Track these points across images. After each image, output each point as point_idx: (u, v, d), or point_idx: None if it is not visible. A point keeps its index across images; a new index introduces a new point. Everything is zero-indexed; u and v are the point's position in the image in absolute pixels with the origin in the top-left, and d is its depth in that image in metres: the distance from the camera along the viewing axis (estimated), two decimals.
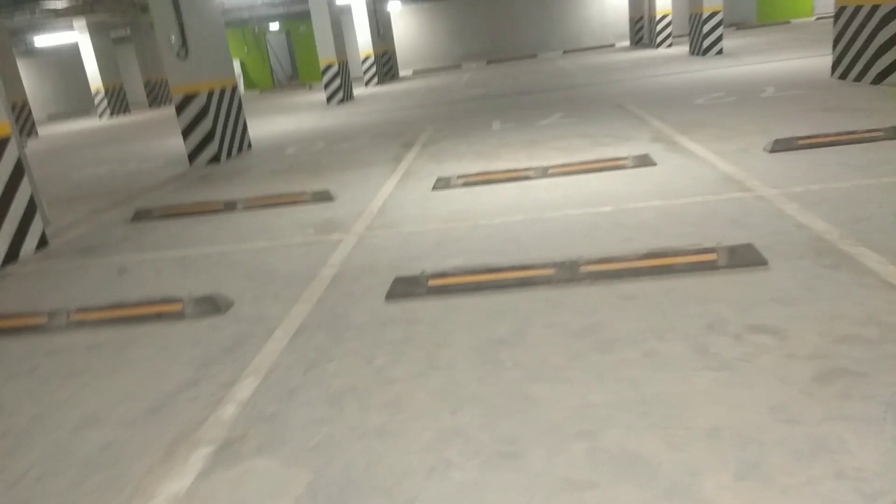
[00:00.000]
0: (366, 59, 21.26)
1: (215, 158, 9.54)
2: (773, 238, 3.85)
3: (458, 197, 5.78)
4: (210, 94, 9.49)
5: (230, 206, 6.37)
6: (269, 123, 13.96)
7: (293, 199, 6.32)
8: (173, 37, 9.10)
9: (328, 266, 4.41)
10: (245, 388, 2.92)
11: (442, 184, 6.18)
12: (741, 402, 2.36)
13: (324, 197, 6.27)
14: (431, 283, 3.71)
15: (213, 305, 3.81)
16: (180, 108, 9.44)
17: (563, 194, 5.39)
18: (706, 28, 15.82)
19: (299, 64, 30.10)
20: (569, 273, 3.61)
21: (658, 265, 3.56)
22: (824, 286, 3.17)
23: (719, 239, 3.93)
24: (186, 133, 9.55)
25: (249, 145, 10.61)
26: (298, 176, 7.71)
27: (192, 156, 9.61)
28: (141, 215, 6.51)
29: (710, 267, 3.51)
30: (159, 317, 3.83)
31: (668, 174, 5.56)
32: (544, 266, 3.67)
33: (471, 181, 6.13)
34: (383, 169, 7.43)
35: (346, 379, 2.89)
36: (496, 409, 2.52)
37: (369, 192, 6.40)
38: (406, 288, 3.72)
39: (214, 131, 9.54)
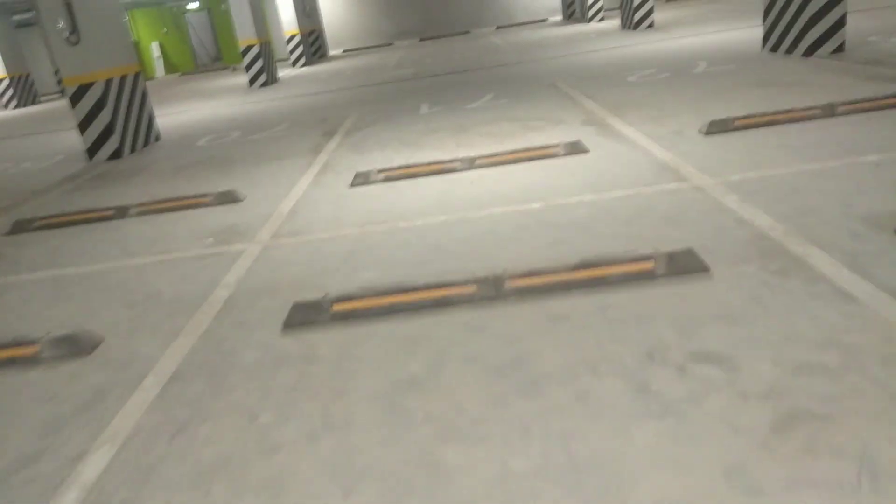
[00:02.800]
0: (291, 38, 20.26)
1: (116, 154, 8.69)
2: (714, 238, 3.49)
3: (378, 194, 5.26)
4: (108, 84, 8.61)
5: (121, 212, 5.67)
6: (184, 111, 13.02)
7: (194, 202, 5.67)
8: (61, 21, 8.17)
9: (222, 287, 3.84)
10: (94, 465, 2.37)
11: (361, 179, 5.64)
12: (690, 464, 1.96)
13: (229, 198, 5.65)
14: (336, 307, 3.20)
15: (75, 346, 3.20)
16: (74, 100, 8.54)
17: (491, 189, 4.94)
18: (636, 1, 15.57)
19: (223, 45, 28.63)
20: (492, 290, 3.16)
21: (591, 277, 3.15)
22: (773, 298, 2.82)
23: (656, 239, 3.55)
24: (83, 127, 8.66)
25: (157, 137, 9.77)
26: (206, 172, 7.02)
27: (91, 151, 8.74)
28: (20, 226, 5.74)
29: (647, 277, 3.12)
30: (12, 362, 3.20)
31: (601, 163, 5.17)
32: (465, 283, 3.21)
33: (392, 176, 5.61)
34: (300, 162, 6.82)
35: (221, 446, 2.37)
36: (399, 486, 2.05)
37: (281, 190, 5.80)
38: (307, 315, 3.20)
39: (114, 124, 8.69)
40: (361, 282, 3.60)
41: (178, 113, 12.76)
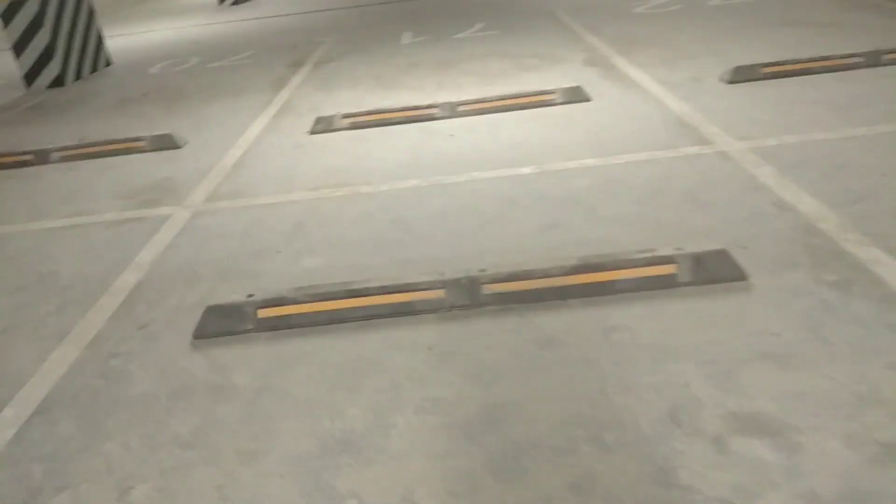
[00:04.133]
0: None
1: (58, 81, 7.70)
2: (749, 229, 2.76)
3: (341, 145, 4.44)
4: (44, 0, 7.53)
5: (42, 158, 4.82)
6: (144, 31, 11.83)
7: (126, 146, 4.83)
8: None
9: (132, 268, 3.09)
10: None
11: (323, 125, 4.80)
12: None
13: (167, 143, 4.80)
14: (262, 313, 2.47)
15: None
16: (6, 19, 7.47)
17: (474, 145, 4.13)
18: None
19: None
20: (467, 296, 2.44)
21: (594, 282, 2.42)
22: (836, 328, 2.12)
23: (676, 227, 2.82)
24: (18, 50, 7.63)
25: (108, 62, 8.72)
26: (151, 107, 6.12)
27: (29, 78, 7.74)
28: None
29: (667, 285, 2.40)
30: None
31: (605, 115, 4.36)
32: (432, 285, 2.47)
33: (360, 122, 4.77)
34: (258, 99, 5.92)
35: None
36: None
37: (230, 135, 4.96)
38: (225, 322, 2.47)
39: (54, 47, 7.65)
40: (302, 272, 2.86)
41: (136, 34, 11.58)
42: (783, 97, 4.26)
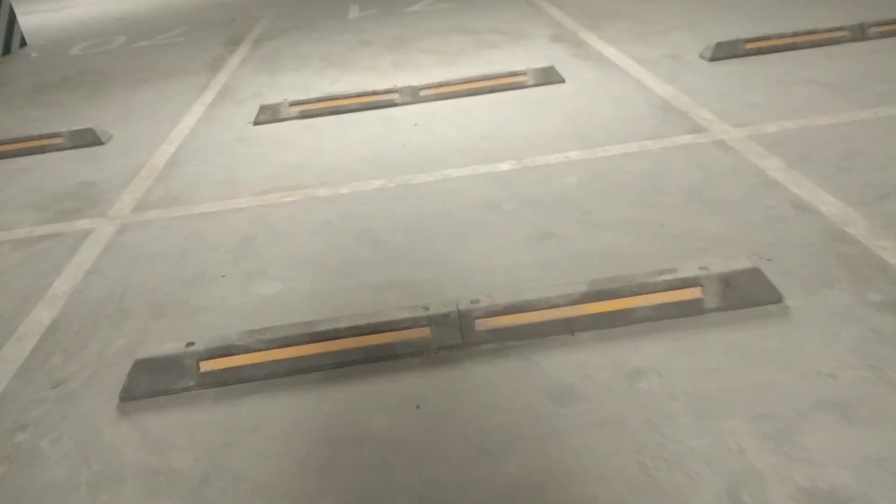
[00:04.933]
0: None
1: None
2: (769, 233, 2.42)
3: (290, 138, 3.93)
4: None
5: None
6: (64, 6, 10.83)
7: (42, 144, 4.20)
8: None
9: (46, 301, 2.56)
10: None
11: (268, 115, 4.26)
12: None
13: (88, 139, 4.19)
14: (206, 366, 2.00)
15: None
16: None
17: (442, 136, 3.69)
18: None
19: None
20: (456, 334, 2.02)
21: (607, 312, 2.04)
22: None
23: (687, 234, 2.46)
24: None
25: (22, 42, 7.86)
26: (71, 95, 5.43)
27: None
28: None
29: (692, 311, 2.04)
30: None
31: (584, 99, 3.97)
32: (415, 322, 2.04)
33: (310, 110, 4.25)
34: (193, 83, 5.31)
35: None
36: None
37: (162, 126, 4.37)
38: (160, 378, 2.00)
39: None
40: (254, 303, 2.39)
41: (54, 10, 10.58)
42: (773, 76, 3.94)
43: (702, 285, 2.06)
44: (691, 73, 4.15)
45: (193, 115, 4.52)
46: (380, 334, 2.03)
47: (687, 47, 4.66)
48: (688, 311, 2.05)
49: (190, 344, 2.04)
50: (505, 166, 3.22)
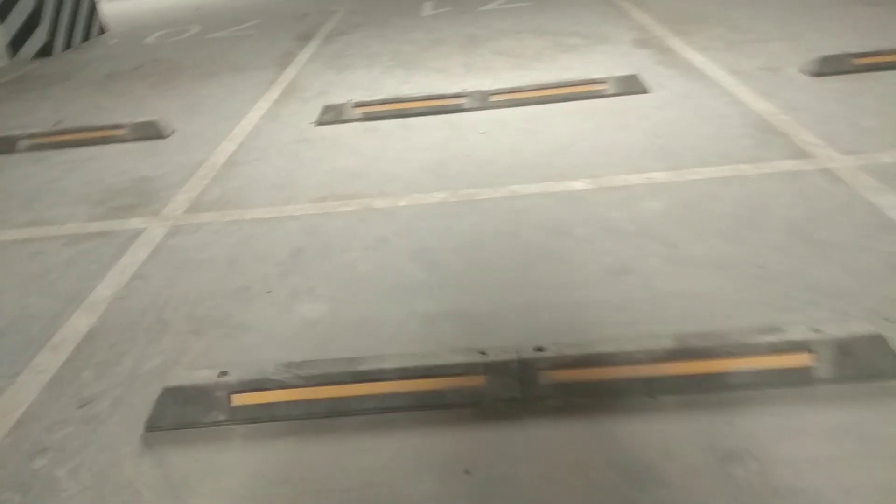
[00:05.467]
0: None
1: (45, 50, 7.02)
2: (891, 285, 2.07)
3: (352, 141, 3.75)
4: None
5: (8, 146, 4.17)
6: None
7: (105, 135, 4.16)
8: None
9: (86, 307, 2.44)
10: None
11: (331, 115, 4.10)
12: None
13: (151, 132, 4.13)
14: (238, 399, 1.82)
15: None
16: None
17: (511, 146, 3.43)
18: None
19: None
20: (516, 385, 1.77)
21: (697, 374, 1.75)
22: None
23: (787, 277, 2.13)
24: (2, 14, 6.94)
25: (102, 30, 8.01)
26: (141, 85, 5.43)
27: (14, 46, 7.07)
28: None
29: (800, 381, 1.72)
30: None
31: (670, 112, 3.63)
32: (469, 369, 1.80)
33: (374, 113, 4.06)
34: (260, 78, 5.22)
35: None
36: None
37: (225, 123, 4.27)
38: (188, 410, 1.82)
39: (41, 13, 6.96)
40: (297, 325, 2.20)
41: None
42: (886, 97, 3.51)
43: (813, 351, 1.74)
44: (792, 89, 3.75)
45: (257, 112, 4.40)
46: (429, 379, 1.79)
47: (786, 59, 4.24)
48: (794, 380, 1.73)
49: (223, 374, 1.86)
50: (579, 185, 2.94)
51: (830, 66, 3.94)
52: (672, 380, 1.75)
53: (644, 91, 3.94)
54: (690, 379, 1.75)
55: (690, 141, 3.25)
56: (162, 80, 5.50)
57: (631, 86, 3.98)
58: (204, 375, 1.86)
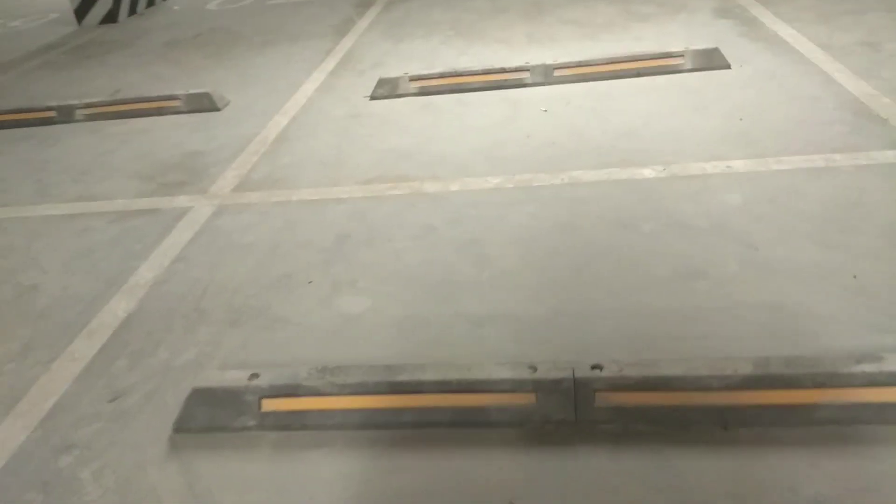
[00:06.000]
0: None
1: (111, 16, 7.07)
2: None
3: (405, 118, 3.57)
4: None
5: (65, 114, 4.18)
6: None
7: (159, 106, 4.12)
8: None
9: (127, 291, 2.38)
10: None
11: (386, 90, 3.92)
12: None
13: (204, 104, 4.06)
14: (268, 405, 1.70)
15: None
16: None
17: (574, 128, 3.19)
18: None
19: None
20: (569, 406, 1.60)
21: (777, 405, 1.53)
22: None
23: (889, 290, 1.85)
24: None
25: None
26: (199, 53, 5.38)
27: (80, 13, 7.14)
28: None
29: None
30: None
31: (754, 91, 3.30)
32: (517, 385, 1.63)
33: (430, 87, 3.87)
34: (317, 47, 5.08)
35: None
36: None
37: (279, 95, 4.16)
38: (217, 413, 1.72)
39: None
40: (337, 321, 2.07)
41: None
42: None
43: None
44: (893, 68, 3.35)
45: (312, 84, 4.27)
46: (473, 394, 1.63)
47: (887, 34, 3.80)
48: (893, 417, 1.49)
49: (254, 375, 1.75)
50: (648, 173, 2.69)
51: None
52: (749, 410, 1.54)
53: (725, 67, 3.61)
54: (770, 410, 1.53)
55: (775, 125, 2.93)
56: (220, 48, 5.43)
57: (710, 60, 3.64)
58: (235, 377, 1.76)
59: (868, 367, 1.51)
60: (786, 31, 4.04)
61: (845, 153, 2.63)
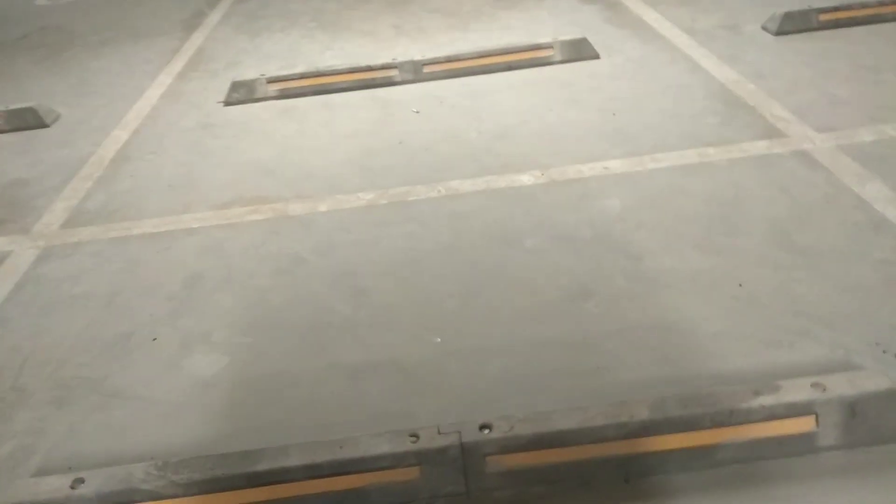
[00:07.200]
0: None
1: None
2: (891, 304, 1.76)
3: (265, 126, 3.25)
4: None
5: None
6: None
7: None
8: None
9: None
10: None
11: (241, 94, 3.56)
12: None
13: (29, 121, 3.52)
14: None
15: None
16: None
17: (449, 130, 3.00)
18: None
19: None
20: (454, 478, 1.40)
21: (677, 450, 1.41)
22: None
23: (774, 298, 1.81)
24: None
25: None
26: (26, 59, 4.72)
27: None
28: None
29: (801, 449, 1.41)
30: None
31: (625, 82, 3.24)
32: (398, 459, 1.42)
33: (291, 90, 3.54)
34: (163, 46, 4.57)
35: None
36: None
37: (119, 103, 3.68)
38: None
39: None
40: (188, 390, 1.77)
41: None
42: (858, 58, 3.19)
43: (816, 413, 1.42)
44: (755, 51, 3.40)
45: (157, 90, 3.82)
46: (348, 476, 1.41)
47: (746, 15, 3.87)
48: (794, 449, 1.42)
49: (78, 481, 1.43)
50: (527, 179, 2.54)
51: (794, 24, 3.59)
52: (649, 458, 1.41)
53: (594, 56, 3.53)
54: (671, 455, 1.42)
55: (649, 118, 2.88)
56: (51, 52, 4.78)
57: (580, 51, 3.56)
58: (54, 486, 1.43)
59: (766, 400, 1.42)
60: (650, 16, 4.04)
61: (718, 146, 2.61)
